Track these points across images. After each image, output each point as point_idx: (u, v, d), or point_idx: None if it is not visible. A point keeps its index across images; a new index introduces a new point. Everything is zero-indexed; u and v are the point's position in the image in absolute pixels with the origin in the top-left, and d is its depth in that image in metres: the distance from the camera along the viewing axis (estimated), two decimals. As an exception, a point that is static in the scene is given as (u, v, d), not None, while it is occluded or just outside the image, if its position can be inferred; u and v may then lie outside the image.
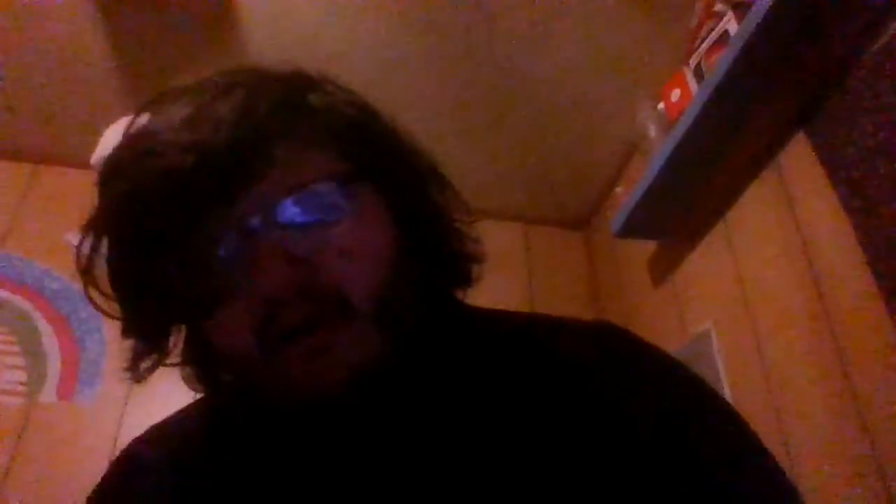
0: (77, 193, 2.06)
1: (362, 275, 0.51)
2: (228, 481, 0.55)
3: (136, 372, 0.58)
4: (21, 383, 1.82)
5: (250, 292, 0.49)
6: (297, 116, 0.53)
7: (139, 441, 0.67)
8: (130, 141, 0.53)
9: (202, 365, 0.60)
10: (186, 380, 0.61)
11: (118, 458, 0.66)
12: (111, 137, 1.83)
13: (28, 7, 1.74)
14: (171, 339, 0.58)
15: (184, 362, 0.60)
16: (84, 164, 1.87)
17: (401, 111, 0.68)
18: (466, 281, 0.63)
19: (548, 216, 2.47)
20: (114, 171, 0.52)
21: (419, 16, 1.78)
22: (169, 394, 2.03)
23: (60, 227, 2.06)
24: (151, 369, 0.59)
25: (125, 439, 1.99)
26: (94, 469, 1.95)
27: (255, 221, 0.49)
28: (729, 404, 0.61)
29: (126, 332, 0.57)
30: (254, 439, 0.58)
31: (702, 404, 0.58)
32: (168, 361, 0.59)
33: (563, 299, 2.30)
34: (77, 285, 1.97)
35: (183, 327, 0.59)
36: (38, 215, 2.09)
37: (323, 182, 0.51)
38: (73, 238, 1.99)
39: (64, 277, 2.00)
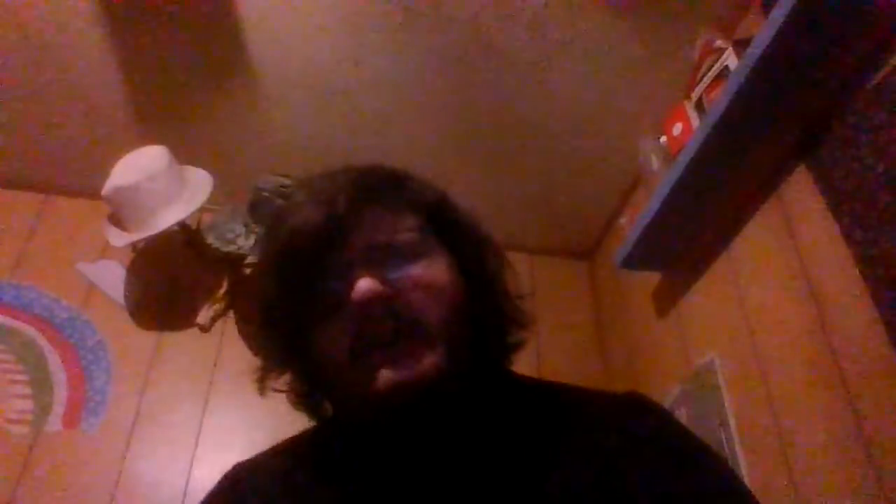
0: (87, 223, 2.09)
1: (434, 305, 0.68)
2: (320, 495, 0.70)
3: (263, 385, 0.76)
4: (28, 412, 1.82)
5: (349, 307, 0.66)
6: (394, 190, 0.75)
7: (241, 464, 0.80)
8: (286, 202, 0.79)
9: (305, 393, 0.78)
10: (293, 404, 0.78)
11: (221, 479, 0.78)
12: (122, 168, 1.86)
13: (40, 41, 1.78)
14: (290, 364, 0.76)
15: (291, 390, 0.78)
16: (94, 195, 1.91)
17: (408, 144, 0.74)
18: (512, 340, 0.78)
19: (552, 247, 2.48)
20: (271, 224, 0.80)
21: (426, 53, 1.82)
22: (172, 425, 2.01)
23: (70, 257, 2.09)
24: (272, 387, 0.77)
25: (130, 469, 1.98)
26: (99, 499, 1.94)
27: (358, 261, 0.68)
28: (746, 487, 0.69)
29: (261, 351, 0.79)
30: (341, 456, 0.73)
31: (720, 484, 0.67)
32: (280, 388, 0.77)
33: (567, 330, 2.31)
34: (85, 314, 2.00)
35: (294, 366, 0.76)
36: (49, 245, 2.11)
37: (410, 233, 0.71)
38: (85, 268, 2.01)
39: (73, 306, 2.01)
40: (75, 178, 2.16)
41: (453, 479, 0.65)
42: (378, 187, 0.74)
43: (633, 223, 1.79)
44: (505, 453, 0.67)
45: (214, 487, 0.78)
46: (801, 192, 1.38)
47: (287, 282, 0.71)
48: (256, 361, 0.77)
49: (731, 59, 1.43)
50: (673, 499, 0.62)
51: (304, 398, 0.78)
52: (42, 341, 1.94)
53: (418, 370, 0.64)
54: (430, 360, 0.65)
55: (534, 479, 0.64)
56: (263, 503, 0.72)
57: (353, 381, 0.67)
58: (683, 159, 1.51)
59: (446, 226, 0.76)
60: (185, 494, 1.76)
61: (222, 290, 2.10)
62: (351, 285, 0.66)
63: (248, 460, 0.80)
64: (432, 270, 0.70)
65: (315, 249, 0.69)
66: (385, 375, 0.64)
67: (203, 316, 2.04)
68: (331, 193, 0.71)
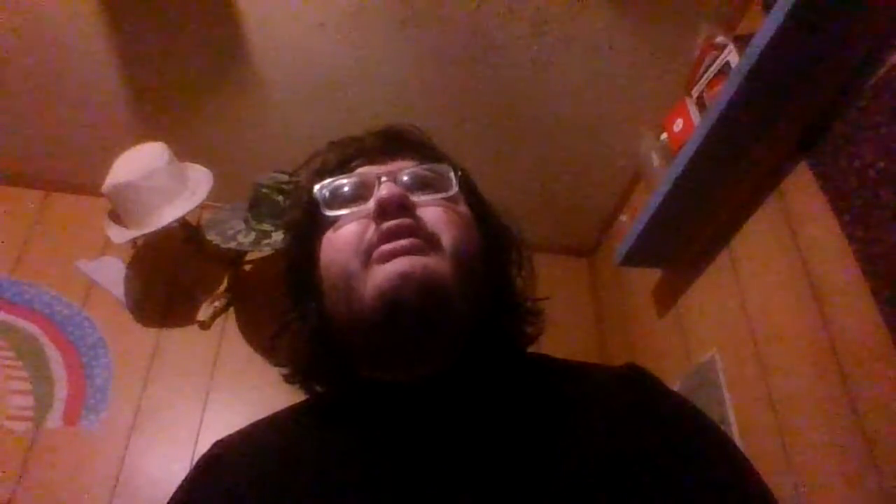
0: (88, 220, 2.09)
1: (451, 232, 0.69)
2: (317, 463, 0.63)
3: (274, 342, 0.78)
4: (28, 408, 1.82)
5: (370, 211, 0.68)
6: (431, 144, 0.82)
7: (221, 441, 0.74)
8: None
9: (308, 347, 0.74)
10: (287, 376, 0.75)
11: (199, 460, 0.72)
12: (122, 165, 1.86)
13: (41, 37, 1.78)
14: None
15: (293, 354, 0.75)
16: (95, 192, 1.91)
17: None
18: (522, 323, 0.77)
19: (553, 244, 2.48)
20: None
21: (427, 50, 1.82)
22: (173, 421, 2.01)
23: (71, 254, 2.09)
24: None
25: (130, 466, 1.98)
26: (99, 495, 1.94)
27: (388, 177, 0.70)
28: (737, 448, 0.71)
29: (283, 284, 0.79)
30: (338, 423, 0.68)
31: (718, 449, 0.68)
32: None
33: (567, 327, 2.30)
34: (86, 311, 2.00)
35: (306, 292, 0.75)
36: (49, 242, 2.11)
37: (443, 164, 0.75)
38: (85, 265, 2.01)
39: (73, 303, 2.01)
40: (75, 175, 2.16)
41: (457, 448, 0.61)
42: (419, 135, 0.81)
43: (633, 220, 1.79)
44: (510, 427, 0.63)
45: (192, 470, 0.71)
46: (801, 189, 1.37)
47: (318, 193, 0.73)
48: (256, 358, 0.74)
49: (732, 56, 1.42)
50: (679, 473, 0.59)
51: (305, 362, 0.75)
52: (42, 338, 1.94)
53: (424, 263, 0.64)
54: (436, 263, 0.65)
55: (539, 454, 0.60)
56: (253, 479, 0.64)
57: (361, 282, 0.66)
58: (684, 156, 1.50)
59: (474, 195, 0.80)
60: (185, 491, 1.76)
61: (223, 287, 2.10)
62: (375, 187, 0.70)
63: (229, 436, 0.74)
64: (456, 207, 0.72)
65: (348, 161, 0.76)
66: (391, 267, 0.64)
67: (203, 313, 2.04)
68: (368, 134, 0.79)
